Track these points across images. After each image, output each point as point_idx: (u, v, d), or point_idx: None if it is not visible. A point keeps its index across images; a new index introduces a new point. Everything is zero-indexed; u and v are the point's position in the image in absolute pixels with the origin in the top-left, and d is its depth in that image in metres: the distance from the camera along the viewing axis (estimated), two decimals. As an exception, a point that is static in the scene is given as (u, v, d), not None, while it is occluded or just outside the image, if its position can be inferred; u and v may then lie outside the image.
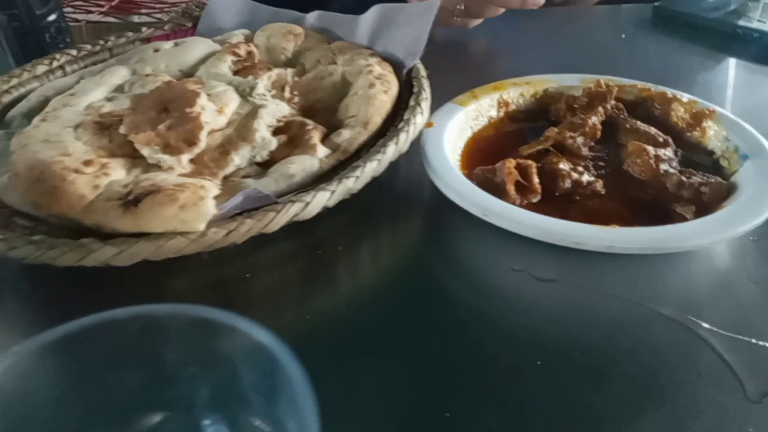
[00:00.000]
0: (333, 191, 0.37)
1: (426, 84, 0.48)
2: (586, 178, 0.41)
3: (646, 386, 0.29)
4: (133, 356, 0.21)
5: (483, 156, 0.45)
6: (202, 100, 0.42)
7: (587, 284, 0.36)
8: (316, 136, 0.42)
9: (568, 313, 0.34)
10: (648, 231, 0.35)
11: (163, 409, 0.22)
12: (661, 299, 0.34)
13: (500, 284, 0.37)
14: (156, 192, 0.35)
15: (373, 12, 0.56)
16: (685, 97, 0.48)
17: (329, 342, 0.33)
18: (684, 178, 0.40)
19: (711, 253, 0.37)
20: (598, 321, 0.34)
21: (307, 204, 0.36)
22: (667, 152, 0.43)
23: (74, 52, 0.57)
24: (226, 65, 0.51)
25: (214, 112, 0.43)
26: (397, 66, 0.50)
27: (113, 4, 1.47)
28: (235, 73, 0.51)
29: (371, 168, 0.39)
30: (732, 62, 0.63)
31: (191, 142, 0.40)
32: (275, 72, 0.50)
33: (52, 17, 0.60)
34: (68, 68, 0.56)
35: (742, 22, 0.66)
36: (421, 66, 0.51)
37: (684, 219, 0.38)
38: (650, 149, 0.42)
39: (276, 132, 0.43)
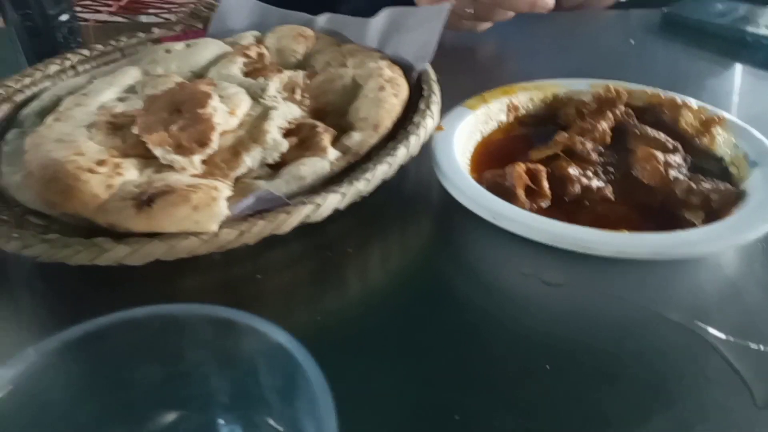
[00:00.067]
0: (344, 194, 0.37)
1: (436, 88, 0.48)
2: (595, 183, 0.41)
3: (654, 390, 0.29)
4: (150, 355, 0.21)
5: (492, 160, 0.45)
6: (214, 102, 0.42)
7: (596, 288, 0.36)
8: (326, 139, 0.42)
9: (577, 317, 0.34)
10: (657, 237, 0.35)
11: (179, 407, 0.22)
12: (670, 304, 0.34)
13: (509, 287, 0.37)
14: (169, 192, 0.35)
15: (383, 15, 0.56)
16: (695, 103, 0.48)
17: (339, 343, 0.33)
18: (693, 185, 0.40)
19: (720, 259, 0.37)
20: (607, 325, 0.34)
21: (319, 206, 0.36)
22: (677, 158, 0.43)
23: (86, 52, 0.57)
24: (237, 67, 0.52)
25: (226, 114, 0.43)
26: (407, 69, 0.51)
27: (122, 3, 1.48)
28: (246, 74, 0.51)
29: (382, 171, 0.39)
30: (741, 68, 0.63)
31: (203, 143, 0.40)
32: (286, 74, 0.50)
33: (64, 17, 0.60)
34: (80, 68, 0.56)
35: (750, 29, 0.67)
36: (430, 70, 0.51)
37: (693, 225, 0.38)
38: (659, 155, 0.42)
39: (287, 134, 0.44)
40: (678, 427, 0.28)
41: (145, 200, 0.35)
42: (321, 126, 0.44)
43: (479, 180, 0.41)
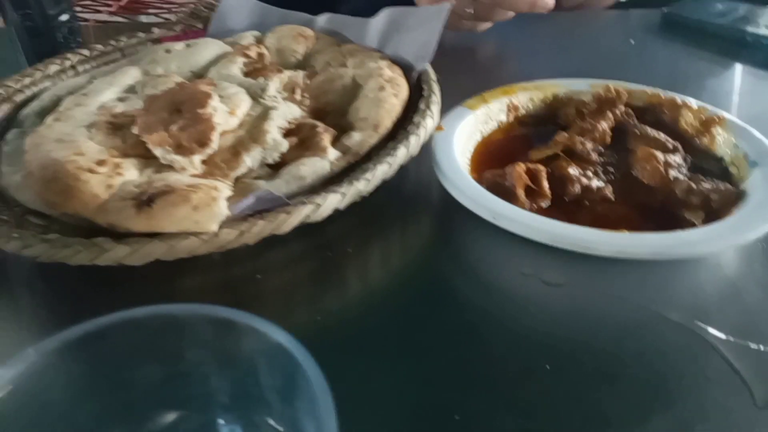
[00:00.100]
0: (344, 194, 0.37)
1: (436, 88, 0.48)
2: (595, 183, 0.41)
3: (654, 390, 0.30)
4: (150, 355, 0.21)
5: (492, 160, 0.45)
6: (214, 102, 0.42)
7: (596, 288, 0.36)
8: (326, 139, 0.42)
9: (577, 317, 0.34)
10: (658, 237, 0.35)
11: (178, 407, 0.22)
12: (670, 304, 0.34)
13: (510, 287, 0.37)
14: (169, 192, 0.35)
15: (383, 15, 0.56)
16: (695, 103, 0.48)
17: (339, 343, 0.33)
18: (693, 185, 0.40)
19: (719, 259, 0.37)
20: (607, 325, 0.34)
21: (319, 206, 0.36)
22: (677, 158, 0.43)
23: (86, 52, 0.57)
24: (237, 67, 0.52)
25: (226, 114, 0.43)
26: (407, 69, 0.51)
27: (121, 3, 1.48)
28: (246, 74, 0.51)
29: (382, 171, 0.39)
30: (741, 68, 0.63)
31: (203, 143, 0.40)
32: (286, 74, 0.50)
33: (64, 17, 0.60)
34: (80, 68, 0.56)
35: (750, 29, 0.67)
36: (430, 70, 0.51)
37: (693, 225, 0.38)
38: (659, 155, 0.42)
39: (287, 134, 0.44)
40: (678, 427, 0.28)
41: (145, 200, 0.35)
42: (321, 126, 0.44)
43: (479, 180, 0.41)
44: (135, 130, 0.41)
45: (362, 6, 0.61)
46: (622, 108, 0.48)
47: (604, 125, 0.46)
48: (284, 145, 0.42)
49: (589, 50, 0.69)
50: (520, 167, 0.41)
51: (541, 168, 0.41)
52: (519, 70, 0.69)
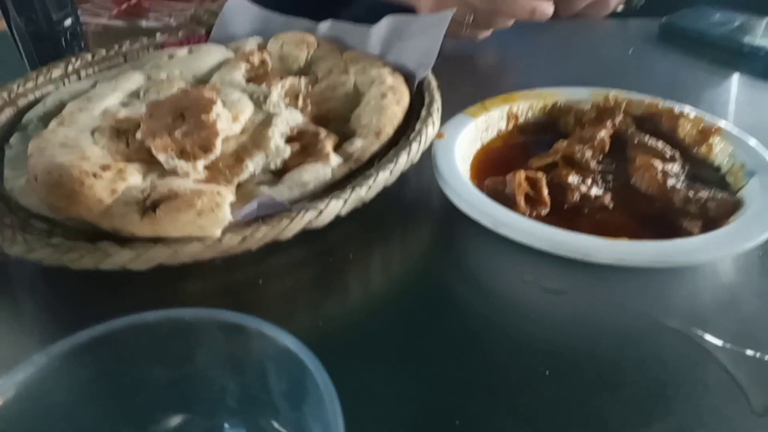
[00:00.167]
0: (346, 200, 0.38)
1: (437, 95, 0.49)
2: (594, 191, 0.42)
3: (653, 397, 0.30)
4: (159, 359, 0.21)
5: (492, 167, 0.45)
6: (218, 108, 0.43)
7: (596, 296, 0.36)
8: (329, 145, 0.43)
9: (577, 324, 0.35)
10: (656, 245, 0.36)
11: (185, 411, 0.22)
12: (668, 312, 0.34)
13: (510, 294, 0.37)
14: (173, 198, 0.36)
15: (385, 22, 0.56)
16: (693, 113, 0.48)
17: (340, 348, 0.33)
18: (691, 194, 0.40)
19: (717, 267, 0.38)
20: (606, 332, 0.34)
21: (321, 212, 0.37)
22: (675, 167, 0.43)
23: (89, 56, 0.58)
24: (239, 73, 0.52)
25: (230, 120, 0.43)
26: (408, 76, 0.51)
27: (122, 8, 1.48)
28: (249, 81, 0.52)
29: (383, 177, 0.40)
30: (738, 78, 0.63)
31: (207, 148, 0.40)
32: (288, 81, 0.50)
33: (68, 22, 0.60)
34: (83, 72, 0.57)
35: (747, 39, 0.67)
36: (432, 77, 0.51)
37: (690, 234, 0.38)
38: (658, 164, 0.43)
39: (289, 140, 0.44)
40: (677, 434, 0.28)
41: (149, 205, 0.36)
42: (323, 132, 0.44)
43: (480, 187, 0.41)
44: (139, 135, 0.41)
45: (364, 13, 0.62)
46: (621, 117, 0.49)
47: (603, 134, 0.46)
48: (287, 151, 0.43)
49: (588, 59, 0.70)
50: (521, 175, 0.41)
51: (541, 176, 0.42)
52: (519, 78, 0.70)
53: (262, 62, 0.54)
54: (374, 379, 0.31)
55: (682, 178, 0.43)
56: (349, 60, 0.53)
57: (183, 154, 0.40)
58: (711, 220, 0.39)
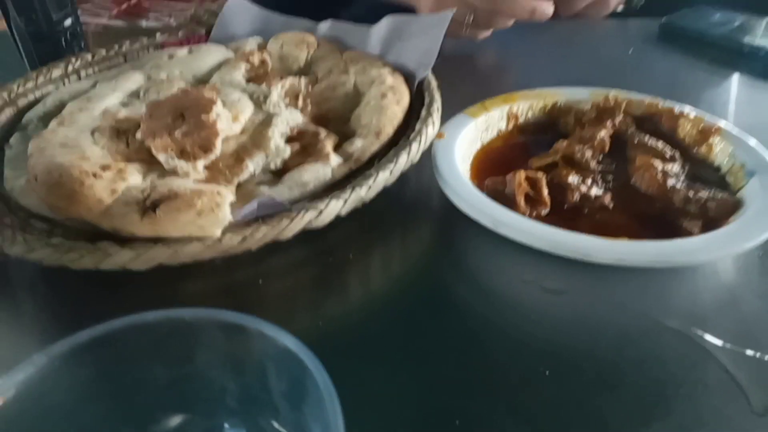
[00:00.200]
0: (346, 200, 0.38)
1: (437, 95, 0.49)
2: (594, 191, 0.42)
3: (653, 397, 0.30)
4: (159, 359, 0.21)
5: (492, 167, 0.46)
6: (218, 108, 0.43)
7: (595, 296, 0.36)
8: (329, 145, 0.43)
9: (577, 324, 0.35)
10: (656, 245, 0.36)
11: (185, 411, 0.22)
12: (668, 312, 0.34)
13: (510, 294, 0.37)
14: (173, 198, 0.36)
15: (385, 22, 0.56)
16: (692, 113, 0.48)
17: (340, 348, 0.33)
18: (691, 194, 0.40)
19: (717, 267, 0.38)
20: (606, 332, 0.34)
21: (321, 212, 0.37)
22: (675, 167, 0.43)
23: (89, 56, 0.58)
24: (239, 73, 0.52)
25: (229, 120, 0.43)
26: (408, 76, 0.51)
27: (122, 8, 1.48)
28: (249, 81, 0.52)
29: (383, 177, 0.40)
30: (738, 78, 0.63)
31: (207, 148, 0.40)
32: (288, 81, 0.50)
33: (68, 22, 0.60)
34: (83, 72, 0.57)
35: (747, 39, 0.67)
36: (432, 77, 0.51)
37: (690, 233, 0.38)
38: (658, 164, 0.43)
39: (289, 140, 0.44)
40: (677, 434, 0.28)
41: (149, 205, 0.36)
42: (323, 132, 0.44)
43: (480, 187, 0.41)
44: (139, 135, 0.41)
45: (364, 13, 0.62)
46: (621, 117, 0.49)
47: (603, 134, 0.46)
48: (287, 151, 0.43)
49: (588, 59, 0.70)
50: (521, 175, 0.41)
51: (541, 176, 0.42)
52: (519, 78, 0.70)
53: (262, 62, 0.54)
54: (374, 379, 0.31)
55: (682, 178, 0.43)
56: (349, 60, 0.53)
57: (183, 154, 0.40)
58: (711, 220, 0.39)
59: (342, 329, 0.35)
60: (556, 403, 0.30)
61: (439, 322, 0.35)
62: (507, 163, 0.45)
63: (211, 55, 0.55)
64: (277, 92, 0.48)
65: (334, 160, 0.42)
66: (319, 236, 0.38)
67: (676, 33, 0.73)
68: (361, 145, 0.43)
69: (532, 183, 0.41)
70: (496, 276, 0.39)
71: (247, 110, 0.46)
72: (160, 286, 0.37)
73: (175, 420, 0.23)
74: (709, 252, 0.36)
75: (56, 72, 0.55)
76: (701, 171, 0.45)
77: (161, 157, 0.40)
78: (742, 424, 0.28)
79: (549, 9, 0.63)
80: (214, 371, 0.22)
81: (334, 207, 0.37)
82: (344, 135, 0.45)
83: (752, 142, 0.44)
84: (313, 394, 0.18)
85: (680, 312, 0.35)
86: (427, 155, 0.44)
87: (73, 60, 0.56)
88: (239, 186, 0.41)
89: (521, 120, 0.52)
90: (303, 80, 0.51)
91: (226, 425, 0.23)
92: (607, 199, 0.42)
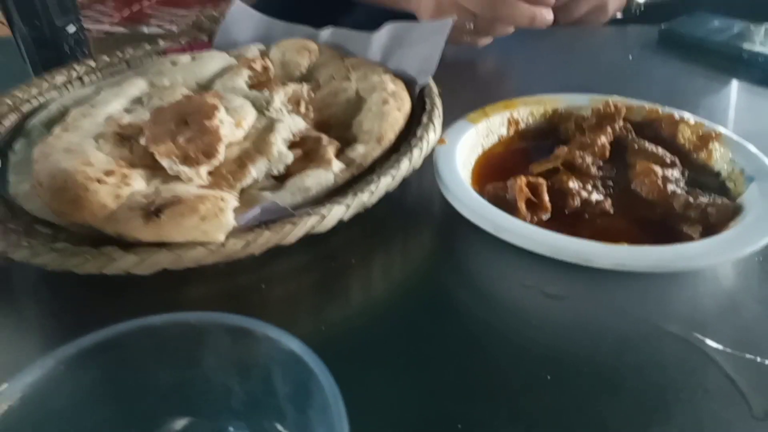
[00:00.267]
0: (348, 205, 0.38)
1: (438, 101, 0.49)
2: (594, 197, 0.42)
3: (653, 402, 0.30)
4: (165, 362, 0.22)
5: (493, 173, 0.46)
6: (221, 114, 0.43)
7: (596, 301, 0.36)
8: (331, 151, 0.43)
9: (577, 329, 0.35)
10: (656, 250, 0.36)
11: (190, 414, 0.23)
12: (668, 317, 0.35)
13: (511, 299, 0.38)
14: (177, 203, 0.36)
15: (386, 29, 0.57)
16: (692, 119, 0.49)
17: (342, 352, 0.33)
18: (691, 199, 0.41)
19: (717, 272, 0.38)
20: (607, 337, 0.34)
21: (323, 217, 0.37)
22: (675, 173, 0.44)
23: (92, 63, 0.58)
24: (242, 79, 0.52)
25: (232, 126, 0.44)
26: (409, 83, 0.52)
27: (124, 15, 1.48)
28: (251, 87, 0.52)
29: (385, 183, 0.40)
30: (737, 84, 0.64)
31: (210, 154, 0.41)
32: (291, 87, 0.51)
33: (71, 29, 0.61)
34: (86, 79, 0.57)
35: (746, 46, 0.68)
36: (433, 83, 0.52)
37: (690, 239, 0.39)
38: (658, 170, 0.43)
39: (292, 146, 0.44)
40: (677, 438, 0.28)
41: (153, 210, 0.36)
42: (325, 138, 0.45)
43: (481, 193, 0.42)
44: (142, 141, 0.42)
45: (365, 20, 0.62)
46: (621, 123, 0.49)
47: (604, 140, 0.47)
48: (289, 157, 0.43)
49: (588, 66, 0.70)
50: (521, 180, 0.41)
51: (542, 181, 0.42)
52: (519, 84, 0.70)
53: (265, 69, 0.54)
54: (376, 384, 0.32)
55: (682, 183, 0.43)
56: (351, 66, 0.54)
57: (186, 159, 0.40)
58: (711, 226, 0.39)
59: (344, 334, 0.35)
60: (557, 407, 0.30)
61: (440, 327, 0.35)
62: (508, 169, 0.45)
63: (213, 61, 0.56)
64: (279, 98, 0.49)
65: (336, 165, 0.42)
66: (322, 241, 0.38)
67: (675, 40, 0.73)
68: (363, 151, 0.44)
69: (533, 188, 0.42)
70: (498, 281, 0.40)
71: (249, 116, 0.46)
72: (163, 290, 0.37)
73: (180, 423, 0.23)
74: (709, 257, 0.36)
75: (60, 78, 0.55)
76: (701, 177, 0.45)
77: (165, 163, 0.40)
78: (743, 429, 0.29)
79: (549, 16, 0.64)
80: (219, 374, 0.22)
81: (337, 212, 0.37)
82: (346, 141, 0.45)
83: (752, 148, 0.44)
84: (318, 397, 0.18)
85: (680, 317, 0.35)
86: (429, 161, 0.44)
87: (77, 66, 0.57)
88: (242, 191, 0.41)
89: (522, 126, 0.52)
90: (305, 87, 0.52)
91: (231, 428, 0.23)
92: (608, 204, 0.42)
